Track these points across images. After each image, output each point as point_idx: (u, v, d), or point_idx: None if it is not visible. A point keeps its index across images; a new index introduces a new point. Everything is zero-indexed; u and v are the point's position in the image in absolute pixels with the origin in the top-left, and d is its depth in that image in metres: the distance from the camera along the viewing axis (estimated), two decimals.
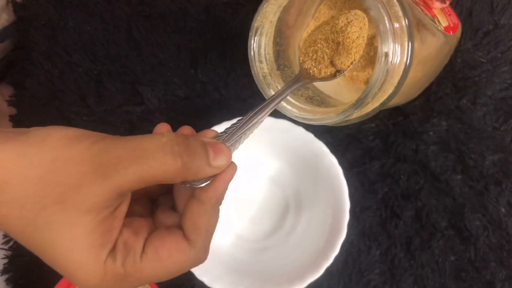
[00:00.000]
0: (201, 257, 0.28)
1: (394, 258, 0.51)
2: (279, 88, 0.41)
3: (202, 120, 0.48)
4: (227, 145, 0.30)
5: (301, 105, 0.40)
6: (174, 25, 0.54)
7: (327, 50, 0.37)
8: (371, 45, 0.42)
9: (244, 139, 0.32)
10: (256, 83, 0.41)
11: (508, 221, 0.51)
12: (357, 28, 0.35)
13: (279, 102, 0.36)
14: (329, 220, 0.47)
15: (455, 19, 0.48)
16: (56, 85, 0.53)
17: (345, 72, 0.38)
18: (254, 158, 0.51)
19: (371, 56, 0.42)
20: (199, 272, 0.45)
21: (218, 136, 0.31)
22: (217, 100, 0.53)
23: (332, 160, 0.47)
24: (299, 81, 0.37)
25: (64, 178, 0.23)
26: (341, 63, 0.37)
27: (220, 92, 0.53)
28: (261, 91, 0.41)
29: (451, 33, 0.46)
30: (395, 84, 0.36)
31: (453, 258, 0.51)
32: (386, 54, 0.34)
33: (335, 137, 0.53)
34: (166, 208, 0.31)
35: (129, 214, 0.27)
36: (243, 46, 0.54)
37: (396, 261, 0.51)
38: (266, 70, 0.41)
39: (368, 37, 0.41)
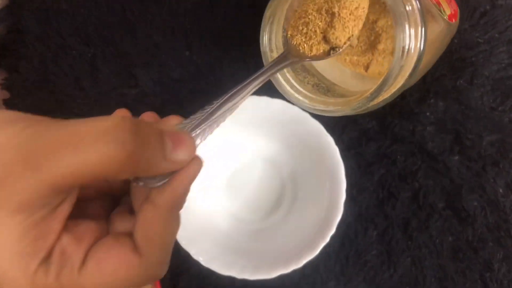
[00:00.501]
0: (156, 274, 0.24)
1: (391, 239, 0.51)
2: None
3: (197, 102, 0.48)
4: (192, 135, 0.25)
5: (310, 95, 0.38)
6: (168, 7, 0.53)
7: (320, 23, 0.32)
8: (372, 29, 0.41)
9: (216, 127, 0.27)
10: None
11: (505, 202, 0.51)
12: None
13: (259, 85, 0.31)
14: (325, 199, 0.46)
15: (454, 5, 0.47)
16: (49, 68, 0.53)
17: (341, 50, 0.33)
18: (249, 138, 0.51)
19: (371, 40, 0.41)
20: (194, 251, 0.44)
21: (183, 123, 0.26)
22: (212, 82, 0.53)
23: (329, 140, 0.46)
24: (286, 59, 0.32)
25: None
26: (336, 38, 0.33)
27: (215, 74, 0.53)
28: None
29: (453, 21, 0.45)
30: (409, 71, 0.33)
31: (451, 238, 0.51)
32: (404, 48, 0.31)
33: (331, 118, 0.52)
34: (124, 210, 0.26)
35: (78, 215, 0.23)
36: (238, 27, 0.54)
37: (393, 242, 0.51)
38: None
39: (369, 21, 0.39)
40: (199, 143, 0.26)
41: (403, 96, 0.53)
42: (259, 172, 0.51)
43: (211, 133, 0.27)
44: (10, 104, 0.53)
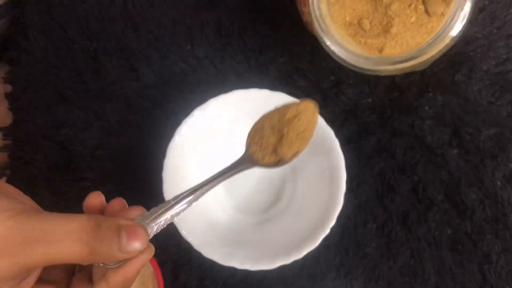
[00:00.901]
0: None
1: (391, 231, 0.51)
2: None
3: (198, 95, 0.48)
4: (153, 224, 0.29)
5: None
6: (169, 0, 0.54)
7: (272, 139, 0.36)
8: (385, 13, 0.43)
9: (173, 218, 0.31)
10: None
11: (503, 194, 0.52)
12: (304, 122, 0.36)
13: (217, 184, 0.35)
14: (325, 191, 0.47)
15: None
16: (51, 61, 0.53)
17: (287, 162, 0.37)
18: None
19: (384, 24, 0.43)
20: (195, 242, 0.45)
21: (143, 215, 0.29)
22: (213, 75, 0.53)
23: (329, 132, 0.47)
24: (242, 164, 0.37)
25: None
26: (284, 153, 0.36)
27: (216, 67, 0.53)
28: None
29: None
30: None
31: (450, 231, 0.52)
32: None
33: (331, 112, 0.53)
34: (84, 276, 0.30)
35: (43, 280, 0.27)
36: (238, 21, 0.54)
37: (393, 235, 0.51)
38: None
39: (383, 5, 0.42)
40: (156, 232, 0.30)
41: (402, 91, 0.54)
42: None
43: (169, 222, 0.31)
44: (12, 98, 0.53)
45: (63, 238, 0.24)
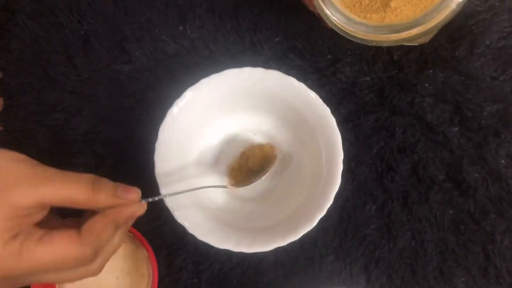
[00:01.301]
0: (88, 256, 0.31)
1: (391, 212, 0.50)
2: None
3: (191, 77, 0.47)
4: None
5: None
6: None
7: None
8: None
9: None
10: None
11: (507, 172, 0.50)
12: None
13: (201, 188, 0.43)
14: (322, 171, 0.45)
15: None
16: (42, 46, 0.52)
17: (258, 180, 0.47)
18: (243, 113, 0.50)
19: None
20: (189, 225, 0.44)
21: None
22: (207, 56, 0.52)
23: (325, 110, 0.45)
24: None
25: (6, 178, 0.29)
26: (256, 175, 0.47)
27: (210, 48, 0.52)
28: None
29: None
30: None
31: (452, 211, 0.50)
32: None
33: (328, 91, 0.52)
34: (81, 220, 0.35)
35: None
36: (232, 1, 0.53)
37: (393, 216, 0.50)
38: None
39: None
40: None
41: (401, 68, 0.52)
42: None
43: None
44: (2, 84, 0.52)
45: (74, 183, 0.31)
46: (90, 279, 0.48)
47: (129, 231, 0.48)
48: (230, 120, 0.50)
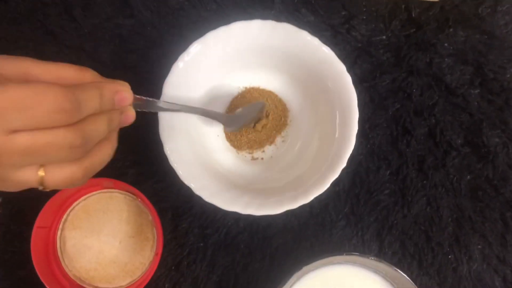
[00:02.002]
0: (69, 105, 0.26)
1: (406, 178, 0.48)
2: None
3: (197, 32, 0.44)
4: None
5: None
6: None
7: None
8: None
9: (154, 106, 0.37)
10: None
11: None
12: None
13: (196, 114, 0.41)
14: (336, 132, 0.43)
15: None
16: None
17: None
18: (252, 71, 0.47)
19: None
20: (196, 187, 0.41)
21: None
22: (214, 10, 0.49)
23: (341, 67, 0.43)
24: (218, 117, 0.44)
25: None
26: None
27: (217, 1, 0.49)
28: None
29: None
30: None
31: (469, 177, 0.48)
32: None
33: (342, 49, 0.49)
34: None
35: None
36: None
37: (408, 181, 0.48)
38: None
39: None
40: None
41: (420, 26, 0.49)
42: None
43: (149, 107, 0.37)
44: None
45: (60, 63, 0.29)
46: (92, 242, 0.46)
47: (132, 193, 0.46)
48: (237, 77, 0.48)
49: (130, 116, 0.33)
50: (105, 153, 0.31)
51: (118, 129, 0.33)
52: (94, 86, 0.29)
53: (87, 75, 0.30)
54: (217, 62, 0.45)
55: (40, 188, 0.28)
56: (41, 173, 0.27)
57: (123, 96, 0.31)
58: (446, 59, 0.49)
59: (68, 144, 0.26)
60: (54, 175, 0.27)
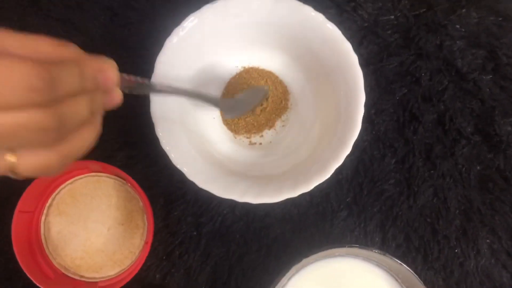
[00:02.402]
0: (41, 83, 0.23)
1: (412, 167, 0.45)
2: None
3: (192, 7, 0.41)
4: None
5: None
6: None
7: None
8: None
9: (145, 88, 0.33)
10: None
11: None
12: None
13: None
14: (340, 116, 0.40)
15: None
16: None
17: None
18: (252, 50, 0.44)
19: None
20: (188, 171, 0.39)
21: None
22: None
23: (347, 46, 0.40)
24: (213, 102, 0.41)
25: None
26: None
27: None
28: None
29: None
30: None
31: (479, 167, 0.45)
32: None
33: (347, 29, 0.46)
34: None
35: None
36: None
37: (414, 170, 0.45)
38: None
39: None
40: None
41: (430, 6, 0.47)
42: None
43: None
44: None
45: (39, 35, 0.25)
46: (79, 229, 0.43)
47: (121, 177, 0.44)
48: (235, 55, 0.45)
49: (116, 98, 0.30)
50: (86, 138, 0.28)
51: (103, 112, 0.30)
52: (74, 63, 0.25)
53: (69, 50, 0.26)
54: (214, 39, 0.42)
55: (12, 176, 0.25)
56: (11, 158, 0.24)
57: (107, 76, 0.28)
58: (457, 42, 0.46)
59: (41, 126, 0.23)
60: (26, 161, 0.24)
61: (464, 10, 0.46)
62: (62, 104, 0.24)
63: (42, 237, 0.43)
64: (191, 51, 0.41)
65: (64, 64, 0.24)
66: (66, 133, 0.26)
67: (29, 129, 0.23)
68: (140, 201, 0.44)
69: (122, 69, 0.45)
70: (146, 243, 0.42)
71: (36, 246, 0.43)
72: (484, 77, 0.46)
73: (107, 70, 0.28)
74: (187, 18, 0.39)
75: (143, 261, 0.41)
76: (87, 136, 0.27)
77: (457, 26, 0.46)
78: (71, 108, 0.25)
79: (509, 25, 0.46)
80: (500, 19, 0.46)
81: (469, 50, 0.46)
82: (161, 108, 0.39)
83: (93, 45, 0.46)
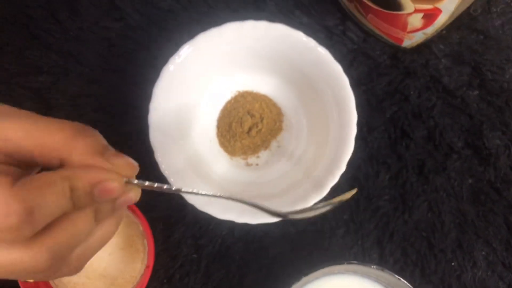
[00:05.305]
0: (15, 215, 0.20)
1: (406, 182, 0.46)
2: None
3: (187, 35, 0.43)
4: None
5: None
6: None
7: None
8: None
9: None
10: None
11: None
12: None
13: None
14: (334, 135, 0.41)
15: None
16: (24, 0, 0.47)
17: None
18: (244, 73, 0.46)
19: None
20: (188, 196, 0.39)
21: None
22: (205, 12, 0.48)
23: (337, 68, 0.41)
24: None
25: None
26: None
27: (208, 3, 0.48)
28: None
29: None
30: None
31: (471, 180, 0.46)
32: None
33: (338, 51, 0.48)
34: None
35: None
36: None
37: (408, 186, 0.46)
38: None
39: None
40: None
41: None
42: None
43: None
44: None
45: (52, 123, 0.23)
46: None
47: None
48: (230, 80, 0.46)
49: (131, 198, 0.25)
50: (103, 240, 0.25)
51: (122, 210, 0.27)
52: (62, 179, 0.21)
53: (79, 145, 0.23)
54: (209, 65, 0.43)
55: None
56: None
57: (106, 188, 0.23)
58: (442, 60, 0.48)
59: (32, 271, 0.21)
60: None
61: (444, 32, 0.48)
62: (53, 231, 0.21)
63: None
64: (188, 78, 0.42)
65: (48, 184, 0.21)
66: (68, 256, 0.23)
67: (17, 273, 0.21)
68: (140, 225, 0.44)
69: (119, 96, 0.47)
70: (147, 267, 0.42)
71: None
72: (471, 93, 0.47)
73: (105, 182, 0.23)
74: (182, 46, 0.41)
75: (144, 286, 0.41)
76: (103, 237, 0.25)
77: (441, 46, 0.48)
78: (65, 233, 0.22)
79: (490, 42, 0.48)
80: (481, 37, 0.48)
81: (455, 68, 0.48)
82: (160, 134, 0.40)
83: (91, 74, 0.47)
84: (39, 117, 0.23)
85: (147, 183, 0.26)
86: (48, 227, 0.21)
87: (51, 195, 0.21)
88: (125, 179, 0.24)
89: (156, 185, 0.26)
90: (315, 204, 0.37)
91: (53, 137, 0.22)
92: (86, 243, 0.24)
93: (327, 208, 0.35)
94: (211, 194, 0.30)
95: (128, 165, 0.25)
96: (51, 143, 0.22)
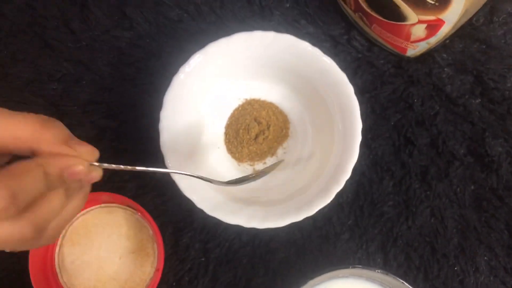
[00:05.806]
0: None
1: (409, 188, 0.47)
2: None
3: (196, 44, 0.44)
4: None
5: None
6: None
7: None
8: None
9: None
10: None
11: None
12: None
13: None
14: (339, 142, 0.43)
15: None
16: (37, 10, 0.49)
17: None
18: (252, 82, 0.47)
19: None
20: (197, 199, 0.41)
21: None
22: (213, 22, 0.49)
23: (342, 77, 0.42)
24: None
25: None
26: None
27: (216, 13, 0.49)
28: None
29: None
30: None
31: (473, 187, 0.47)
32: None
33: (343, 60, 0.49)
34: None
35: None
36: None
37: (411, 192, 0.47)
38: None
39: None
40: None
41: None
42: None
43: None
44: None
45: (20, 117, 0.26)
46: (91, 258, 0.45)
47: (132, 208, 0.45)
48: (238, 88, 0.47)
49: (93, 177, 0.29)
50: (72, 213, 0.29)
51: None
52: (37, 166, 0.26)
53: (46, 136, 0.27)
54: (218, 74, 0.45)
55: None
56: None
57: (73, 171, 0.27)
58: (445, 69, 0.49)
59: (20, 238, 0.25)
60: None
61: (447, 41, 0.49)
62: (34, 209, 0.26)
63: (57, 267, 0.45)
64: (197, 86, 0.43)
65: (26, 171, 0.25)
66: (47, 227, 0.27)
67: (8, 243, 0.25)
68: (150, 229, 0.45)
69: (129, 104, 0.48)
70: (157, 270, 0.43)
71: (52, 276, 0.44)
72: (473, 101, 0.48)
73: (72, 167, 0.27)
74: (193, 56, 0.42)
75: None
76: (74, 209, 0.29)
77: (444, 55, 0.49)
78: (43, 209, 0.26)
79: (492, 51, 0.49)
80: (483, 46, 0.49)
81: (457, 76, 0.49)
82: (170, 140, 0.42)
83: (102, 82, 0.48)
84: (10, 113, 0.27)
85: (105, 164, 0.30)
86: (29, 205, 0.26)
87: (29, 180, 0.25)
88: (88, 163, 0.29)
89: (113, 166, 0.31)
90: (249, 175, 0.42)
91: (24, 130, 0.26)
92: (60, 215, 0.28)
93: (257, 178, 0.42)
94: (174, 171, 0.37)
95: (90, 151, 0.29)
96: (24, 135, 0.26)
